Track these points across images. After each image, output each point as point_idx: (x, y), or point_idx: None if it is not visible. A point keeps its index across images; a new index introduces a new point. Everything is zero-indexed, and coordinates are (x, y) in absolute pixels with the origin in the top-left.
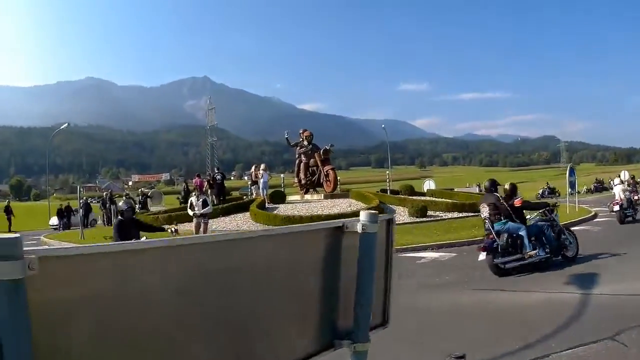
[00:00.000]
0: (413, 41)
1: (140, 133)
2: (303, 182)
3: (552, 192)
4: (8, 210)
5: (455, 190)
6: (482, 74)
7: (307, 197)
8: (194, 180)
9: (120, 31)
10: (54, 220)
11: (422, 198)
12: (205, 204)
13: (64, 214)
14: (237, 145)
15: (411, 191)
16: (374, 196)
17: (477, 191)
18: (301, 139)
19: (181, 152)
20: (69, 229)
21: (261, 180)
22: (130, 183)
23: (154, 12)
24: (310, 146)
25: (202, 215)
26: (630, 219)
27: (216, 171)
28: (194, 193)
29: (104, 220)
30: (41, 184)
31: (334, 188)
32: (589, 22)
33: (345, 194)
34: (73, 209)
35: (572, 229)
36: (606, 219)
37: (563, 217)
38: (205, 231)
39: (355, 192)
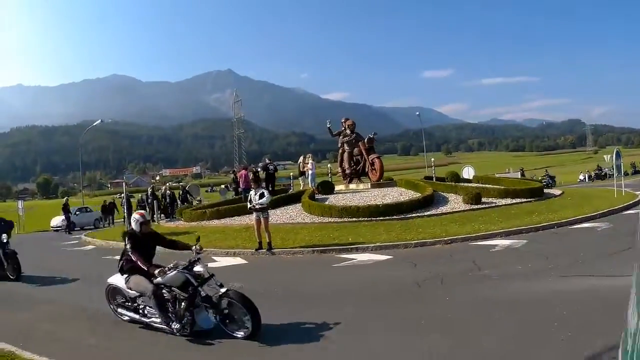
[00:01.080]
0: (437, 28)
1: (166, 128)
2: (348, 171)
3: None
4: None
5: (497, 175)
6: (505, 59)
7: (352, 186)
8: (239, 173)
9: (144, 28)
10: (56, 221)
11: (473, 185)
12: (262, 196)
13: (108, 209)
14: (262, 137)
15: (457, 178)
16: (425, 184)
17: (519, 176)
18: (343, 128)
19: (207, 145)
20: (110, 225)
21: (310, 171)
22: (157, 178)
23: (176, 8)
24: (354, 135)
25: (262, 209)
26: None
27: (267, 161)
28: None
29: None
30: (68, 181)
31: (380, 177)
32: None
33: (391, 183)
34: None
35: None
36: None
37: (611, 202)
38: (266, 226)
39: (404, 181)
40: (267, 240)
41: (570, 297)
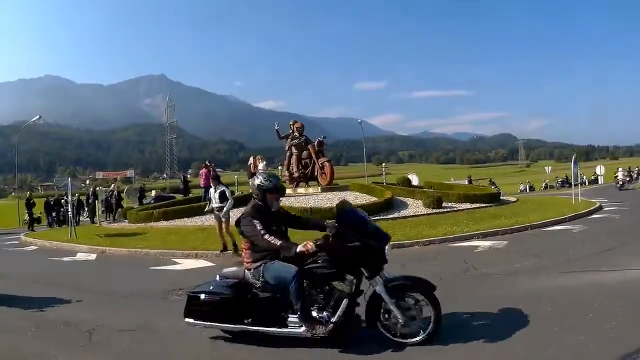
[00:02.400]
0: (372, 40)
1: (97, 131)
2: (296, 175)
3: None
4: None
5: (447, 182)
6: (438, 73)
7: (301, 190)
8: (200, 171)
9: (80, 29)
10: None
11: (431, 190)
12: (223, 196)
13: (54, 208)
14: (193, 144)
15: (409, 183)
16: (382, 188)
17: (467, 183)
18: (291, 131)
19: (137, 150)
20: (61, 225)
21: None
22: (87, 182)
23: (113, 10)
24: (303, 138)
25: (220, 209)
26: None
27: (208, 163)
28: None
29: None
30: None
31: (331, 181)
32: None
33: (343, 187)
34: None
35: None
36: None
37: (573, 207)
38: (227, 228)
39: (358, 185)
40: (232, 241)
41: (585, 290)
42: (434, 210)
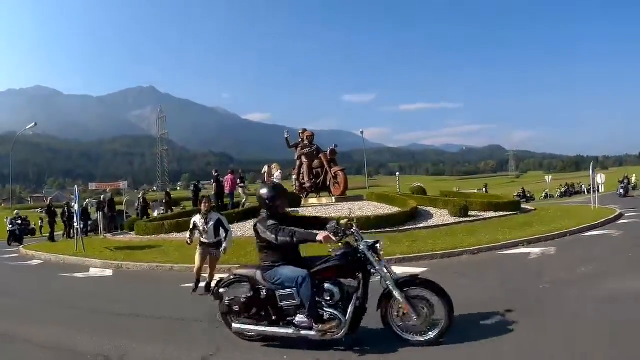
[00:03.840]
0: (360, 52)
1: (86, 143)
2: (307, 185)
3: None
4: None
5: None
6: (426, 85)
7: (313, 201)
8: (225, 177)
9: (70, 39)
10: None
11: (455, 199)
12: (217, 229)
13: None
14: (182, 156)
15: (424, 193)
16: (405, 197)
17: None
18: (300, 140)
19: (126, 162)
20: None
21: (276, 181)
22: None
23: (103, 21)
24: (315, 146)
25: (217, 246)
26: None
27: (214, 173)
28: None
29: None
30: None
31: (344, 191)
32: (531, 35)
33: (358, 197)
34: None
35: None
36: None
37: (597, 214)
38: (213, 267)
39: (376, 194)
40: (208, 280)
41: None
42: (462, 219)
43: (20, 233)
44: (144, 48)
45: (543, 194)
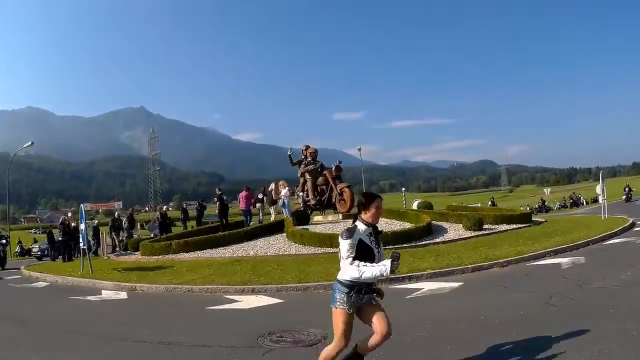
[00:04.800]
0: (350, 70)
1: (77, 163)
2: (312, 202)
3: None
4: None
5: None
6: (416, 102)
7: (318, 218)
8: (240, 194)
9: (60, 60)
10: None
11: (466, 212)
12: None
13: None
14: (173, 176)
15: (431, 207)
16: (417, 213)
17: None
18: (304, 156)
19: (118, 183)
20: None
21: (285, 200)
22: (69, 214)
23: (93, 42)
24: (319, 163)
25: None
26: None
27: (218, 192)
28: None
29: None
30: None
31: (351, 207)
32: (520, 49)
33: None
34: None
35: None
36: None
37: (611, 223)
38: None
39: (386, 210)
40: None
41: None
42: (477, 233)
43: (4, 255)
44: (134, 68)
45: (527, 208)
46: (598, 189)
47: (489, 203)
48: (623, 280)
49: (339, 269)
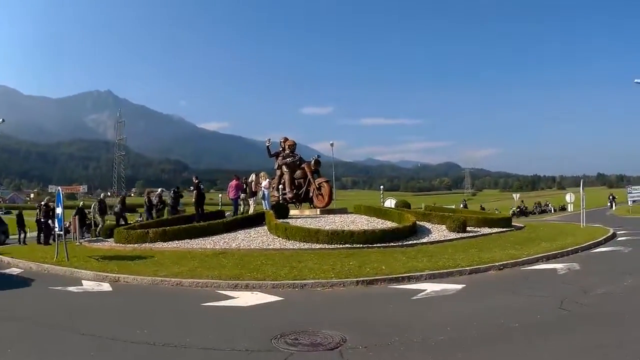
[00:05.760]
0: (321, 64)
1: (42, 145)
2: (289, 195)
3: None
4: None
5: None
6: (385, 100)
7: (295, 212)
8: (230, 183)
9: (30, 39)
10: None
11: (451, 214)
12: None
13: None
14: (136, 162)
15: (409, 207)
16: (401, 211)
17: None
18: (281, 149)
19: (82, 166)
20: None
21: (265, 191)
22: (32, 195)
23: (62, 20)
24: (298, 156)
25: None
26: None
27: (195, 180)
28: None
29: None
30: None
31: (328, 202)
32: (487, 55)
33: (342, 209)
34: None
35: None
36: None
37: (592, 232)
38: None
39: (364, 207)
40: None
41: None
42: (462, 235)
43: None
44: (103, 51)
45: (510, 211)
46: (567, 198)
47: (461, 205)
48: (625, 287)
49: (331, 265)
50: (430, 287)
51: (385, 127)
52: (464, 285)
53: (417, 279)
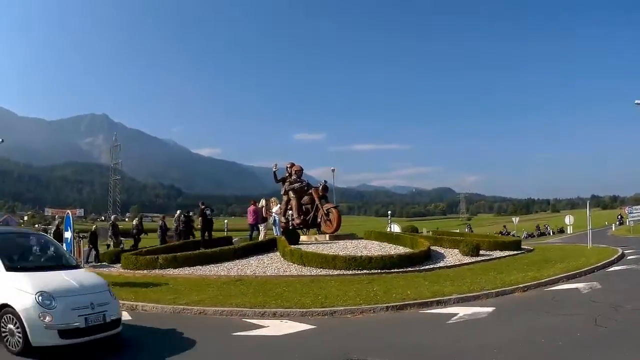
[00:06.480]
0: (311, 92)
1: (36, 167)
2: (297, 221)
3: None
4: None
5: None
6: (376, 126)
7: (303, 238)
8: (249, 209)
9: (26, 60)
10: None
11: (462, 238)
12: None
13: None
14: (131, 186)
15: (416, 232)
16: (414, 236)
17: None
18: (288, 174)
19: (76, 190)
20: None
21: (276, 217)
22: (25, 218)
23: (58, 43)
24: (305, 182)
25: None
26: None
27: (201, 206)
28: None
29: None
30: None
31: (337, 228)
32: (480, 78)
33: (350, 235)
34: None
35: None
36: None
37: (604, 253)
38: None
39: (376, 233)
40: None
41: None
42: (476, 259)
43: None
44: (99, 75)
45: (523, 235)
46: (566, 220)
47: (466, 229)
48: None
49: (356, 292)
50: (461, 311)
51: (378, 152)
52: (494, 308)
53: (446, 303)
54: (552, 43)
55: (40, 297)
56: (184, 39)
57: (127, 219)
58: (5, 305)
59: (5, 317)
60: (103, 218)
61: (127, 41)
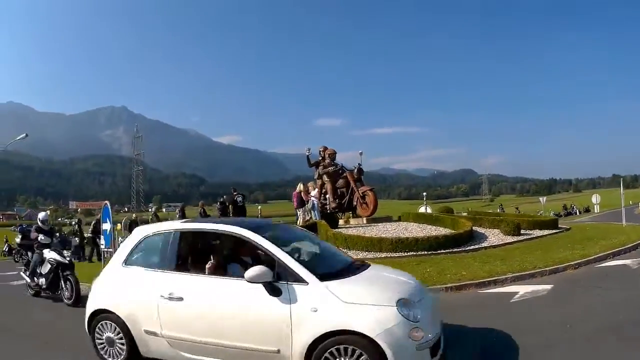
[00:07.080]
0: (331, 77)
1: (57, 161)
2: (333, 205)
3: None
4: None
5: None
6: (397, 109)
7: (340, 222)
8: (294, 193)
9: (44, 56)
10: None
11: (501, 218)
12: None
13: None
14: (153, 177)
15: (452, 212)
16: (453, 217)
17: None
18: (321, 157)
19: (97, 182)
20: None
21: (314, 201)
22: (48, 212)
23: (77, 38)
24: (340, 165)
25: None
26: None
27: (234, 192)
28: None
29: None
30: None
31: (373, 211)
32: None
33: (387, 218)
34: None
35: None
36: None
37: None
38: None
39: (414, 215)
40: None
41: None
42: (519, 238)
43: None
44: (117, 67)
45: (554, 213)
46: (593, 199)
47: (498, 209)
48: None
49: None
50: (521, 290)
51: (399, 135)
52: (552, 285)
53: (503, 283)
54: (573, 20)
55: (402, 309)
56: (200, 31)
57: (150, 210)
58: (344, 332)
59: (339, 348)
60: (126, 209)
61: (143, 31)
